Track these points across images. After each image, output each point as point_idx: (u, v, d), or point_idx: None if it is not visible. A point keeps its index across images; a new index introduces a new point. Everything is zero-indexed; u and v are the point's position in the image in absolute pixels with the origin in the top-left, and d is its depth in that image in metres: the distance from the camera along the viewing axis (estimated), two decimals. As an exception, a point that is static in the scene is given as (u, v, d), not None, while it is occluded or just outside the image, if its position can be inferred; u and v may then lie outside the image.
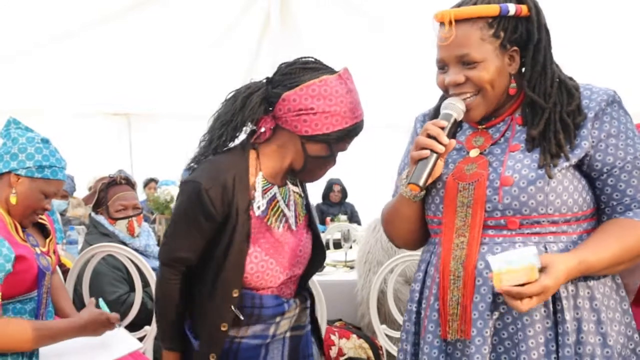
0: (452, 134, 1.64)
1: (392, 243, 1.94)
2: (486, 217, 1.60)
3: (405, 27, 6.33)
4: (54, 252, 2.56)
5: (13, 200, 2.33)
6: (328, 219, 7.96)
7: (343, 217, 7.76)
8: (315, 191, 8.46)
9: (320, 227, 7.65)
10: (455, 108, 1.63)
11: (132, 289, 3.14)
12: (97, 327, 2.40)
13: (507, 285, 1.44)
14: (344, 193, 8.57)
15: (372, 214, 3.70)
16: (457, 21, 1.60)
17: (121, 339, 2.54)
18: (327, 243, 6.30)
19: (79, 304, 3.09)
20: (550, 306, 1.56)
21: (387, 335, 3.27)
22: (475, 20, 1.60)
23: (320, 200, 8.62)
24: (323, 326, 2.94)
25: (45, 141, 2.42)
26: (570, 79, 1.68)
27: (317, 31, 7.26)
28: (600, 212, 1.65)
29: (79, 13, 6.26)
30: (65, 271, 3.23)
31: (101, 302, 2.58)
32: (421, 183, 1.58)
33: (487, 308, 1.57)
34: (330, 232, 6.55)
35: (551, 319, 1.56)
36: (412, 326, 1.76)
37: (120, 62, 6.97)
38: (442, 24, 1.63)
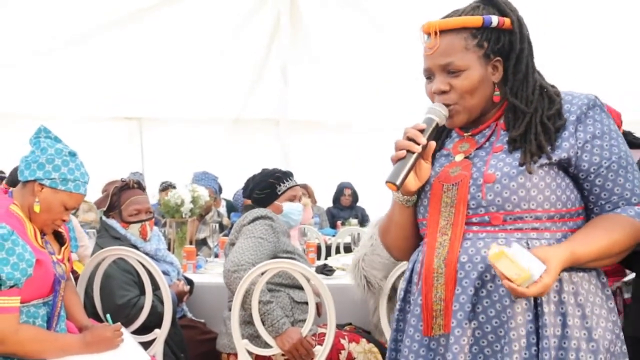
0: (433, 137, 1.70)
1: (391, 256, 1.99)
2: (471, 214, 1.66)
3: (414, 30, 6.32)
4: (69, 259, 2.60)
5: (37, 208, 2.38)
6: (339, 222, 7.96)
7: (354, 221, 7.76)
8: (326, 195, 8.46)
9: (330, 231, 7.67)
10: (436, 112, 1.70)
11: (143, 292, 3.15)
12: (101, 346, 2.45)
13: (499, 266, 1.48)
14: (354, 197, 8.56)
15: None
16: (443, 32, 1.69)
17: (130, 351, 2.55)
18: (338, 247, 6.30)
19: (90, 307, 3.10)
20: (532, 299, 1.60)
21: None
22: (460, 30, 1.68)
23: (330, 204, 8.62)
24: (332, 330, 2.94)
25: (73, 154, 2.46)
26: (552, 86, 1.75)
27: (326, 35, 7.27)
28: (589, 212, 1.70)
29: (90, 18, 6.31)
30: (76, 277, 3.24)
31: (108, 317, 2.66)
32: (397, 182, 1.63)
33: (468, 300, 1.62)
34: (340, 235, 6.55)
35: (532, 311, 1.60)
36: (395, 323, 1.82)
37: (131, 66, 7.02)
38: (428, 35, 1.72)
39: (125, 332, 2.59)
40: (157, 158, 8.49)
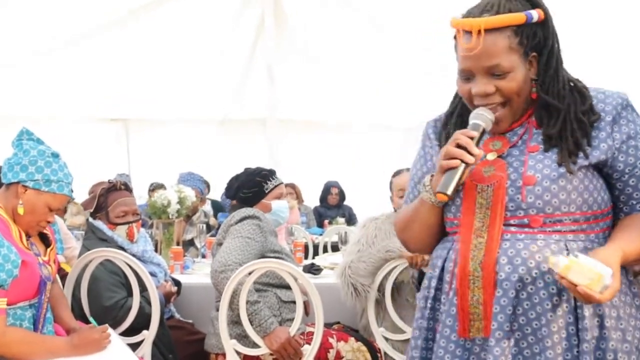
0: (478, 144, 1.65)
1: (406, 248, 1.95)
2: (509, 216, 1.63)
3: (401, 27, 6.34)
4: (54, 261, 2.59)
5: (20, 211, 2.38)
6: (326, 221, 7.97)
7: (341, 220, 7.78)
8: (313, 194, 8.48)
9: (317, 230, 7.66)
10: (483, 118, 1.64)
11: (130, 293, 3.15)
12: (89, 348, 2.44)
13: (571, 277, 1.45)
14: (341, 196, 8.57)
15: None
16: (485, 30, 1.59)
17: (118, 353, 2.55)
18: (325, 246, 6.30)
19: (77, 309, 3.10)
20: (572, 301, 1.58)
21: (385, 337, 3.28)
22: (503, 29, 1.60)
23: (318, 203, 8.63)
24: (320, 329, 2.95)
25: (56, 155, 2.46)
26: (578, 80, 1.71)
27: (311, 34, 7.28)
28: (617, 211, 1.69)
29: (76, 21, 6.30)
30: (63, 276, 3.24)
31: (92, 320, 2.67)
32: (449, 192, 1.59)
33: (510, 303, 1.59)
34: (328, 234, 6.55)
35: (573, 314, 1.59)
36: (426, 322, 1.77)
37: (117, 68, 7.01)
38: (467, 32, 1.62)
39: (113, 334, 2.59)
40: (144, 159, 8.48)
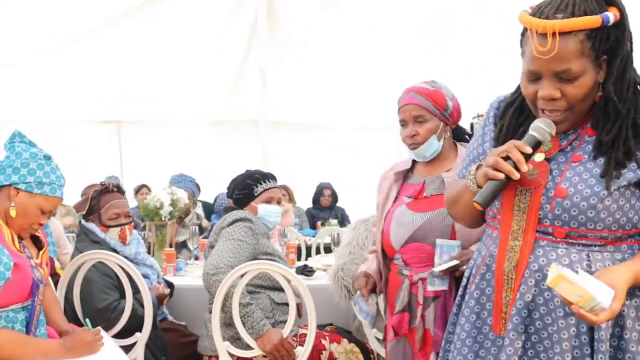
0: (529, 158, 1.60)
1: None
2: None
3: (394, 30, 6.35)
4: (47, 264, 2.59)
5: (13, 213, 2.37)
6: (319, 223, 7.97)
7: (334, 222, 7.77)
8: (305, 196, 8.48)
9: (310, 231, 7.65)
10: (543, 132, 1.59)
11: (123, 295, 3.15)
12: (82, 350, 2.45)
13: (559, 291, 1.44)
14: (334, 197, 8.57)
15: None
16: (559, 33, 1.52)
17: (111, 355, 2.55)
18: (318, 247, 6.30)
19: (70, 311, 3.09)
20: None
21: (378, 339, 3.28)
22: (577, 32, 1.52)
23: (310, 205, 8.62)
24: (313, 330, 2.95)
25: (48, 158, 2.46)
26: None
27: (304, 35, 7.28)
28: None
29: (68, 24, 6.29)
30: (53, 274, 3.23)
31: (87, 321, 2.67)
32: (485, 204, 1.60)
33: (525, 306, 1.63)
34: (320, 236, 6.55)
35: (587, 323, 1.56)
36: (456, 308, 1.84)
37: (109, 70, 7.00)
38: (540, 34, 1.54)
39: (106, 336, 2.59)
40: (136, 161, 8.47)
